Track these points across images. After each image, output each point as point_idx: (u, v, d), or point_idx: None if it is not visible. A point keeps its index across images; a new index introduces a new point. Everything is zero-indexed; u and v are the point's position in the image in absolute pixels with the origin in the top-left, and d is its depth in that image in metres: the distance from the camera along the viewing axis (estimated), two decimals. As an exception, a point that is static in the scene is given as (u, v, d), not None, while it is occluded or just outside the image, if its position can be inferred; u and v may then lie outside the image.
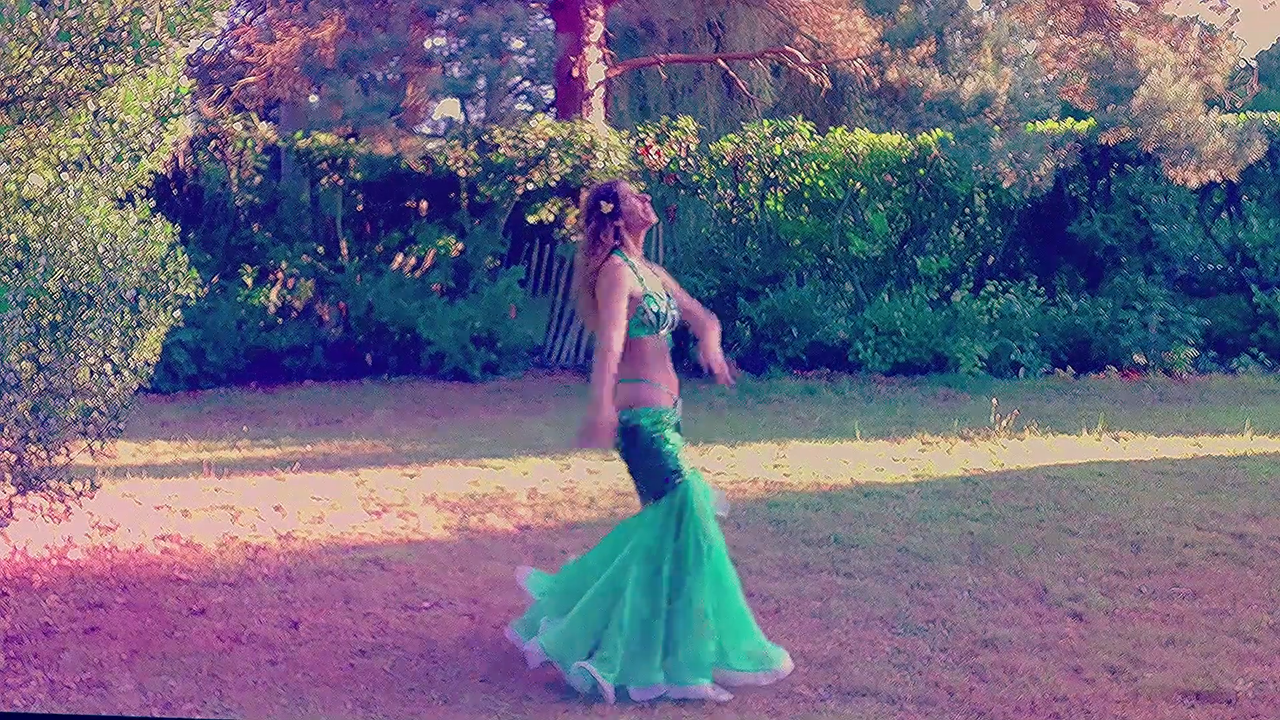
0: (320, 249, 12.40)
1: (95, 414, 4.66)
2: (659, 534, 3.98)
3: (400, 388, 11.22)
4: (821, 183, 12.84)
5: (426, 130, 16.07)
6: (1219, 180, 11.63)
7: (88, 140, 4.47)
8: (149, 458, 8.01)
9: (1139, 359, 11.48)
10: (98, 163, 4.51)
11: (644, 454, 4.00)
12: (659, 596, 3.95)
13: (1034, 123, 11.48)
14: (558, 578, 4.32)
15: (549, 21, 14.45)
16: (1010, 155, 10.79)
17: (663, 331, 4.09)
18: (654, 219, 4.21)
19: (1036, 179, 10.97)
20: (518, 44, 13.81)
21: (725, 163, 12.79)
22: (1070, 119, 12.38)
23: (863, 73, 13.91)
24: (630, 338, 4.00)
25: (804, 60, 14.20)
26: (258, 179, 12.66)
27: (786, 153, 12.65)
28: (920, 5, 11.52)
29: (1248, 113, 12.37)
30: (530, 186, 12.16)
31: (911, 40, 11.26)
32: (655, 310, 4.04)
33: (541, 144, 12.09)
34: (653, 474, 4.01)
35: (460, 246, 12.25)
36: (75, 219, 4.32)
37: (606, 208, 4.10)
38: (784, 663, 4.08)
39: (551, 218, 12.56)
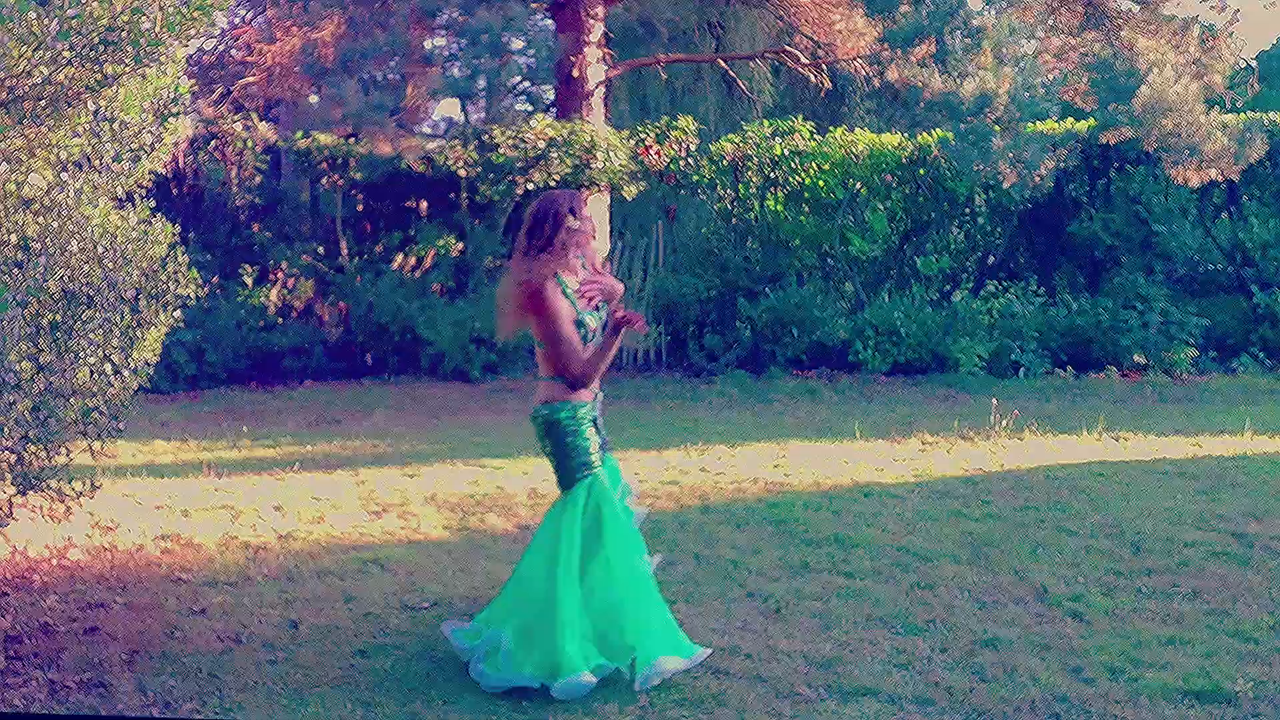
0: (320, 249, 12.40)
1: (95, 414, 4.66)
2: (571, 526, 4.06)
3: (400, 388, 11.22)
4: (821, 183, 12.84)
5: (426, 130, 16.04)
6: (1219, 180, 11.64)
7: (88, 140, 4.46)
8: (149, 458, 8.01)
9: (1139, 359, 11.48)
10: (98, 163, 4.51)
11: (559, 447, 4.10)
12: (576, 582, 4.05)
13: (1034, 123, 11.48)
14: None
15: (549, 21, 14.43)
16: (1011, 155, 10.79)
17: (590, 343, 4.12)
18: (585, 248, 4.18)
19: (1037, 179, 10.97)
20: (518, 44, 13.77)
21: (725, 163, 12.79)
22: (1070, 119, 12.38)
23: (863, 73, 13.90)
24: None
25: (804, 60, 14.19)
26: (258, 179, 12.66)
27: (786, 153, 12.65)
28: (920, 5, 11.52)
29: (1248, 112, 12.37)
30: (530, 186, 12.15)
31: (911, 40, 11.26)
32: (590, 329, 4.09)
33: (541, 144, 12.09)
34: (566, 467, 4.11)
35: (460, 246, 12.25)
36: (75, 219, 4.32)
37: (573, 223, 4.07)
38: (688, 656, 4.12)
39: (551, 218, 12.53)
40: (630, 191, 12.47)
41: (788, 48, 14.56)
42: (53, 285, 4.30)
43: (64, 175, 4.40)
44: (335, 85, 11.74)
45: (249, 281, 11.79)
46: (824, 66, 14.26)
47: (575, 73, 13.15)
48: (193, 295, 4.93)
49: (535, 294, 4.00)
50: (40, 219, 4.31)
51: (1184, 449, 8.05)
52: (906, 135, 12.67)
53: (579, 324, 4.05)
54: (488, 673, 4.02)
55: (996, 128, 10.92)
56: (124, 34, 3.92)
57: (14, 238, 4.26)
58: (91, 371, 4.58)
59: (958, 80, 10.93)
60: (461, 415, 9.97)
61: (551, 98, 17.32)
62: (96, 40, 3.91)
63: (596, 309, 4.16)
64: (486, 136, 12.37)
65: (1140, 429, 8.81)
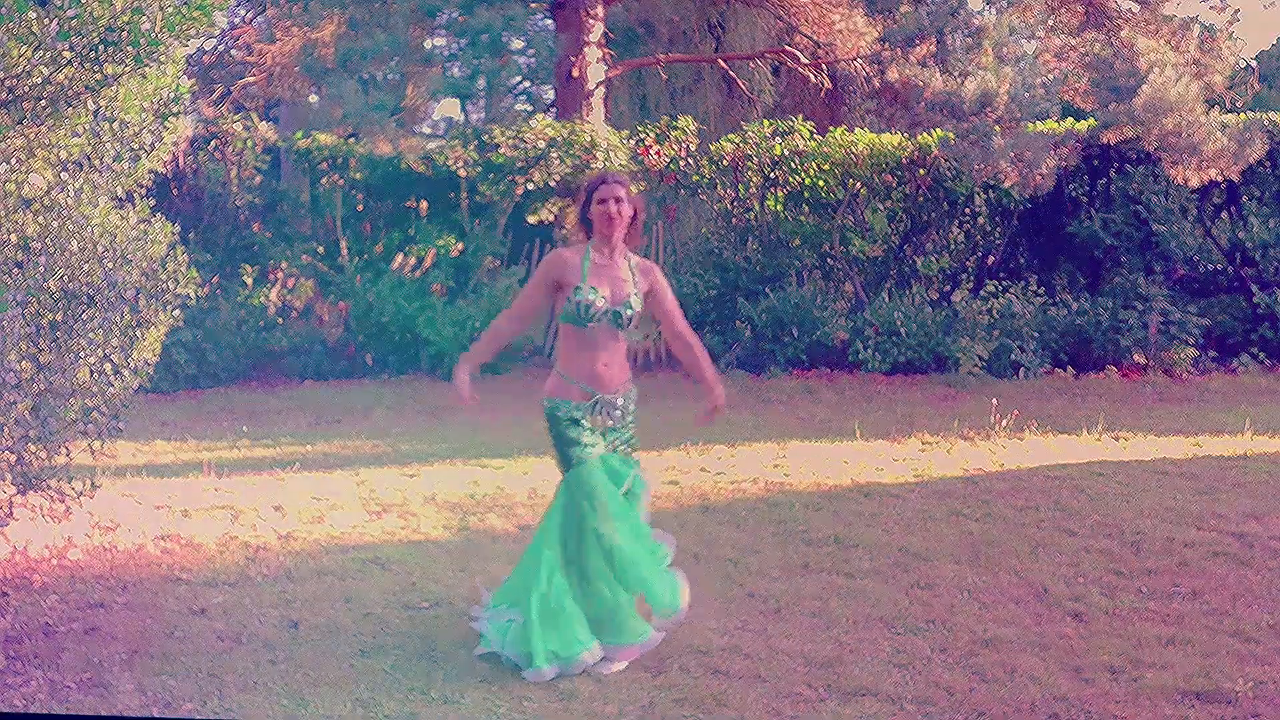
0: (320, 249, 12.40)
1: (95, 414, 4.66)
2: (561, 514, 4.28)
3: (400, 388, 11.22)
4: (821, 183, 12.84)
5: (426, 130, 16.08)
6: (1219, 180, 11.63)
7: (88, 140, 4.47)
8: (149, 458, 8.01)
9: (1139, 359, 11.48)
10: (98, 163, 4.51)
11: (552, 439, 4.37)
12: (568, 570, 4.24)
13: (1034, 122, 11.48)
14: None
15: (549, 21, 14.44)
16: (1012, 155, 10.80)
17: (591, 325, 4.22)
18: (607, 230, 4.28)
19: (1039, 178, 10.97)
20: (518, 44, 13.79)
21: (725, 163, 12.79)
22: (1070, 119, 12.38)
23: (863, 73, 13.91)
24: (560, 323, 4.32)
25: (804, 60, 14.20)
26: (258, 179, 12.66)
27: (786, 153, 12.65)
28: (920, 5, 11.53)
29: (1248, 112, 12.37)
30: (530, 186, 12.16)
31: (911, 40, 11.27)
32: (577, 300, 4.20)
33: (541, 144, 12.09)
34: (559, 458, 4.36)
35: (460, 246, 12.25)
36: (75, 219, 4.32)
37: (579, 199, 4.43)
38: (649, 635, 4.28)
39: (551, 218, 12.55)
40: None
41: (788, 48, 14.58)
42: (53, 285, 4.30)
43: (64, 175, 4.40)
44: (335, 85, 11.74)
45: (249, 281, 11.79)
46: (824, 66, 14.27)
47: (575, 73, 13.16)
48: (193, 295, 4.94)
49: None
50: (40, 219, 4.31)
51: (1184, 449, 8.05)
52: (906, 135, 12.66)
53: (579, 289, 4.20)
54: (490, 635, 4.23)
55: (997, 127, 10.92)
56: (124, 34, 3.93)
57: (14, 238, 4.26)
58: (91, 371, 4.58)
59: (958, 80, 10.94)
60: (461, 415, 9.97)
61: (551, 98, 17.33)
62: (96, 40, 3.92)
63: (619, 297, 4.25)
64: (486, 136, 12.38)
65: (1140, 429, 8.80)
